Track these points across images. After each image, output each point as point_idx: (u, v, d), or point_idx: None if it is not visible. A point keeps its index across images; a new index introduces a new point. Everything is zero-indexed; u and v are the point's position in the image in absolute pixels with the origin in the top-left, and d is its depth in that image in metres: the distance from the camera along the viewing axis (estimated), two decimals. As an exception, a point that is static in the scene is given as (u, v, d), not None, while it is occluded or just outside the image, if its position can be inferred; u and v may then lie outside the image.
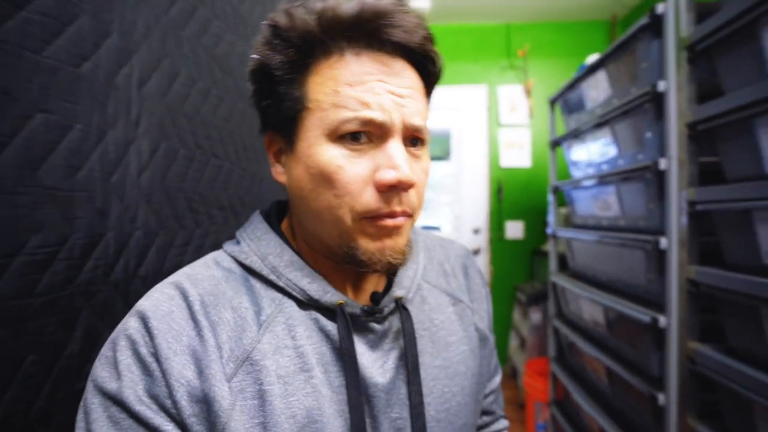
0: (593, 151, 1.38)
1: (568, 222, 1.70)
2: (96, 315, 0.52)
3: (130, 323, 0.36)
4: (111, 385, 0.34)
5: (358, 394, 0.38)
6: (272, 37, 0.38)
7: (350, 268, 0.42)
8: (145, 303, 0.37)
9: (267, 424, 0.35)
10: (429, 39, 0.40)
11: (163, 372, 0.34)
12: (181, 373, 0.34)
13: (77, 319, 0.49)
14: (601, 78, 1.27)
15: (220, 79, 0.82)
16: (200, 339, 0.36)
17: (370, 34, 0.37)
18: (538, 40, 2.66)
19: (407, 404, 0.41)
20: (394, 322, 0.44)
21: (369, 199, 0.37)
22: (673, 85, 0.91)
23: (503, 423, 0.60)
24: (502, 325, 2.66)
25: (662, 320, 0.92)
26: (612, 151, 1.25)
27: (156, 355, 0.34)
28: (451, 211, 2.81)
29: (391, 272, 0.42)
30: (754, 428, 0.73)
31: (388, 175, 0.36)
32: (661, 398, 0.93)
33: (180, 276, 0.40)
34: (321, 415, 0.37)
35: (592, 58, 1.37)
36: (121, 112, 0.54)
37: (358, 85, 0.36)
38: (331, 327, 0.40)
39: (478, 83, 2.72)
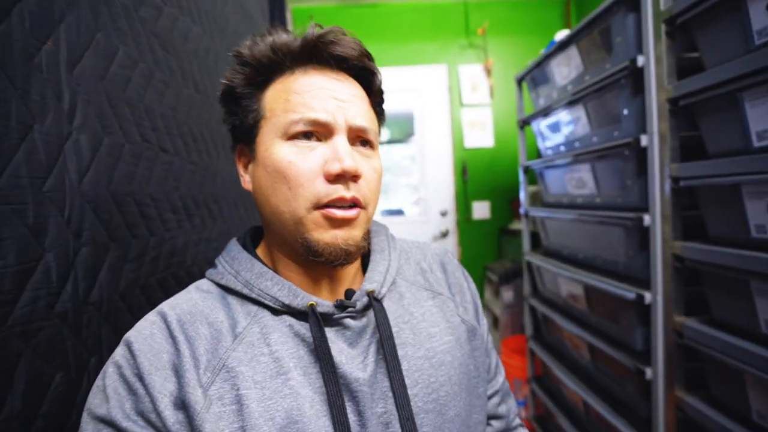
0: (565, 129, 1.37)
1: (538, 200, 1.71)
2: (41, 358, 0.42)
3: (117, 351, 0.39)
4: (101, 410, 0.37)
5: (337, 389, 0.39)
6: (236, 64, 0.45)
7: (322, 271, 0.46)
8: (130, 332, 0.40)
9: (246, 427, 0.36)
10: (365, 54, 0.46)
11: (146, 387, 0.37)
12: (163, 385, 0.37)
13: (15, 367, 0.39)
14: (572, 54, 1.25)
15: (163, 59, 0.70)
16: (177, 353, 0.38)
17: (313, 52, 0.44)
18: (497, 17, 2.64)
19: (391, 396, 0.41)
20: (372, 317, 0.45)
21: (319, 188, 0.41)
22: (652, 59, 0.90)
23: (515, 421, 0.58)
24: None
25: (648, 296, 0.93)
26: (585, 128, 1.24)
27: (139, 375, 0.37)
28: (417, 194, 2.78)
29: (348, 262, 0.43)
30: (744, 397, 0.76)
31: (334, 166, 0.41)
32: (648, 372, 0.94)
33: (162, 304, 0.43)
34: (301, 416, 0.38)
35: (561, 34, 1.34)
36: (50, 100, 0.42)
37: (305, 93, 0.42)
38: (305, 330, 0.42)
39: (438, 63, 2.67)
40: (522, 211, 1.71)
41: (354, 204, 0.42)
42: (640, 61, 0.92)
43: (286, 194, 0.41)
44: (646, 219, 0.93)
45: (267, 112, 0.44)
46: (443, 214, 2.71)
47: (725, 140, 0.76)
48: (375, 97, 0.49)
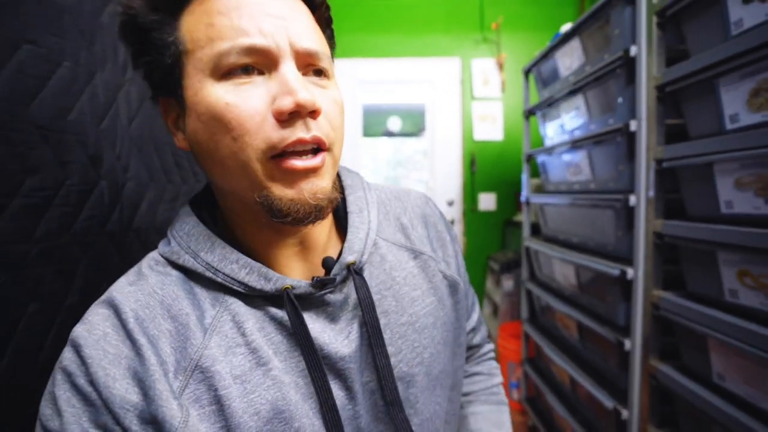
0: (566, 119, 1.43)
1: (540, 191, 1.77)
2: (93, 267, 0.51)
3: (65, 354, 0.34)
4: (53, 424, 0.32)
5: (322, 375, 0.37)
6: None
7: (291, 235, 0.40)
8: (78, 329, 0.34)
9: (230, 427, 0.34)
10: None
11: (105, 401, 0.32)
12: (125, 398, 0.32)
13: (76, 269, 0.48)
14: (574, 46, 1.31)
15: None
16: (140, 359, 0.33)
17: None
18: (511, 13, 2.69)
19: (388, 357, 0.40)
20: (352, 288, 0.42)
21: (270, 132, 0.33)
22: (644, 49, 0.96)
23: (487, 347, 0.63)
24: (476, 293, 2.77)
25: (630, 272, 1.00)
26: (584, 117, 1.30)
27: (94, 384, 0.32)
28: (426, 184, 2.85)
29: (320, 219, 0.37)
30: (707, 362, 0.82)
31: (285, 102, 0.33)
32: (627, 344, 1.01)
33: (113, 291, 0.37)
34: (287, 404, 0.36)
35: (566, 26, 1.40)
36: (109, 54, 0.52)
37: (231, 11, 0.33)
38: (282, 314, 0.38)
39: (452, 56, 2.73)
40: (523, 198, 1.77)
41: (317, 147, 0.35)
42: (633, 51, 0.98)
43: (231, 146, 0.34)
44: (632, 199, 0.99)
45: (188, 43, 0.34)
46: (450, 203, 2.78)
47: (704, 124, 0.82)
48: (320, 11, 0.40)
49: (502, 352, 2.05)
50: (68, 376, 0.32)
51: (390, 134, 2.91)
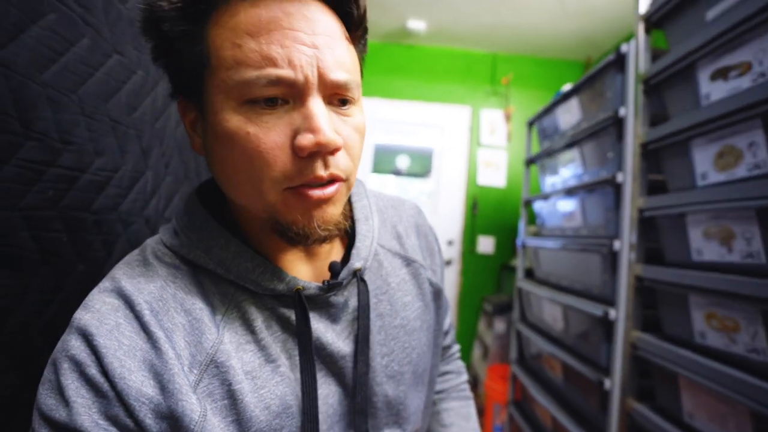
0: (563, 169, 1.53)
1: (536, 236, 1.85)
2: (129, 244, 0.59)
3: (72, 343, 0.32)
4: (59, 414, 0.30)
5: (313, 380, 0.38)
6: None
7: (300, 247, 0.42)
8: (86, 317, 0.33)
9: (241, 420, 0.35)
10: None
11: (119, 393, 0.31)
12: (141, 391, 0.31)
13: (116, 243, 0.56)
14: (573, 104, 1.43)
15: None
16: (156, 352, 0.33)
17: None
18: (521, 71, 2.89)
19: (369, 365, 0.43)
20: (353, 290, 0.44)
21: (289, 167, 0.33)
22: (631, 111, 1.07)
23: (455, 347, 0.68)
24: (468, 334, 2.78)
25: (612, 313, 1.05)
26: (579, 168, 1.40)
27: (107, 375, 0.31)
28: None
29: (325, 242, 0.39)
30: (679, 401, 0.86)
31: (306, 140, 0.32)
32: (606, 383, 1.05)
33: (119, 280, 0.36)
34: (294, 400, 0.38)
35: (567, 86, 1.54)
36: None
37: (261, 35, 0.32)
38: (289, 313, 0.40)
39: (463, 104, 2.90)
40: (519, 242, 1.84)
41: (331, 178, 0.35)
42: (622, 112, 1.09)
43: (248, 172, 0.34)
44: (616, 244, 1.07)
45: (213, 59, 0.33)
46: (449, 243, 2.85)
47: (679, 179, 0.91)
48: (357, 29, 0.38)
49: (489, 393, 2.04)
50: (77, 365, 0.31)
51: (398, 173, 3.03)
